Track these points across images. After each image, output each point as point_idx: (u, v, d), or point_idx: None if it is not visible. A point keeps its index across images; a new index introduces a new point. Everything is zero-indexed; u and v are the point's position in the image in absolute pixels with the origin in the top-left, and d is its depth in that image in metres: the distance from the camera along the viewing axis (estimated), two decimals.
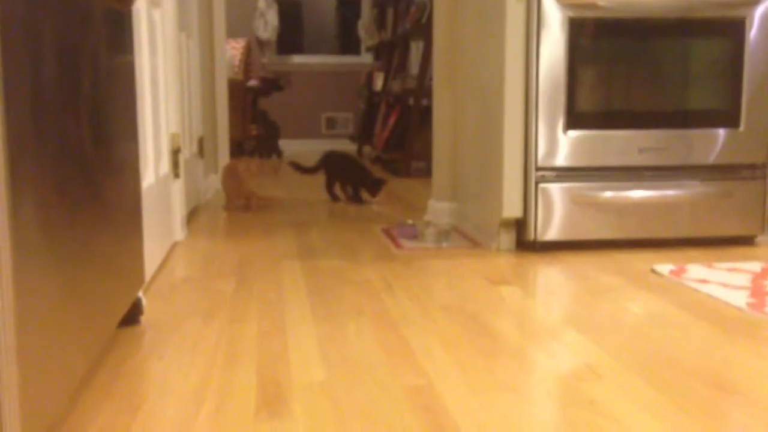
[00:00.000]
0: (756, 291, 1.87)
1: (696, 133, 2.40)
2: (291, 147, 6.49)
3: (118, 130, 1.46)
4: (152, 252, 1.97)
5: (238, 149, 5.82)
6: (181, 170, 2.54)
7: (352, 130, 6.73)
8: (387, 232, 2.76)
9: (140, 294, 1.68)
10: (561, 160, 2.35)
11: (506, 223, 2.43)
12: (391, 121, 5.20)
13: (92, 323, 1.21)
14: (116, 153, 1.44)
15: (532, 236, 2.37)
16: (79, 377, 1.13)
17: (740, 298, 1.80)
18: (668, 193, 2.41)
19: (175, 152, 2.43)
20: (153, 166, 2.07)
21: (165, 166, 2.29)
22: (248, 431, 1.13)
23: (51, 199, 1.00)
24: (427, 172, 4.54)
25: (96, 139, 1.27)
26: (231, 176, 3.31)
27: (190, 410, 1.21)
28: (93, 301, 1.22)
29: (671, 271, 2.08)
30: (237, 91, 5.63)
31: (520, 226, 2.43)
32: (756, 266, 2.13)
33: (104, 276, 1.30)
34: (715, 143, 2.40)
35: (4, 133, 0.82)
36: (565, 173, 2.36)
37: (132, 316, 1.62)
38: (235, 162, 3.39)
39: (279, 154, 6.09)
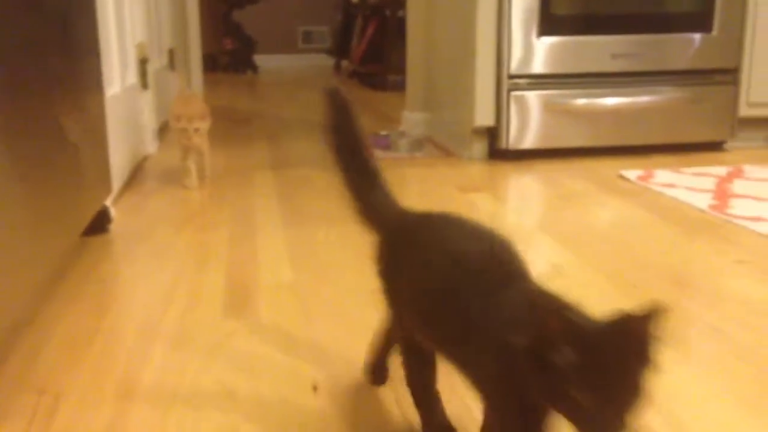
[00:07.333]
0: (719, 194, 1.90)
1: (669, 38, 2.38)
2: (267, 62, 6.37)
3: (77, 38, 1.42)
4: (121, 163, 1.96)
5: (211, 63, 5.71)
6: (150, 81, 2.49)
7: (330, 44, 6.60)
8: None
9: (108, 203, 1.67)
10: (535, 67, 2.33)
11: (478, 132, 2.42)
12: (368, 33, 5.10)
13: (54, 229, 1.21)
14: (75, 62, 1.40)
15: (504, 145, 2.37)
16: (43, 279, 1.14)
17: (703, 201, 1.83)
18: (641, 99, 2.41)
19: (142, 62, 2.38)
20: (119, 75, 2.03)
21: (132, 76, 2.25)
22: (215, 329, 1.15)
23: (5, 109, 0.98)
24: (405, 86, 4.48)
25: (53, 46, 1.24)
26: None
27: (159, 311, 1.23)
28: (53, 208, 1.22)
29: (639, 177, 2.10)
30: (208, 1, 5.48)
31: (492, 134, 2.42)
32: (722, 170, 2.16)
33: (64, 185, 1.30)
34: (688, 48, 2.39)
35: None
36: (538, 81, 2.35)
37: (100, 224, 1.62)
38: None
39: (255, 69, 5.98)
